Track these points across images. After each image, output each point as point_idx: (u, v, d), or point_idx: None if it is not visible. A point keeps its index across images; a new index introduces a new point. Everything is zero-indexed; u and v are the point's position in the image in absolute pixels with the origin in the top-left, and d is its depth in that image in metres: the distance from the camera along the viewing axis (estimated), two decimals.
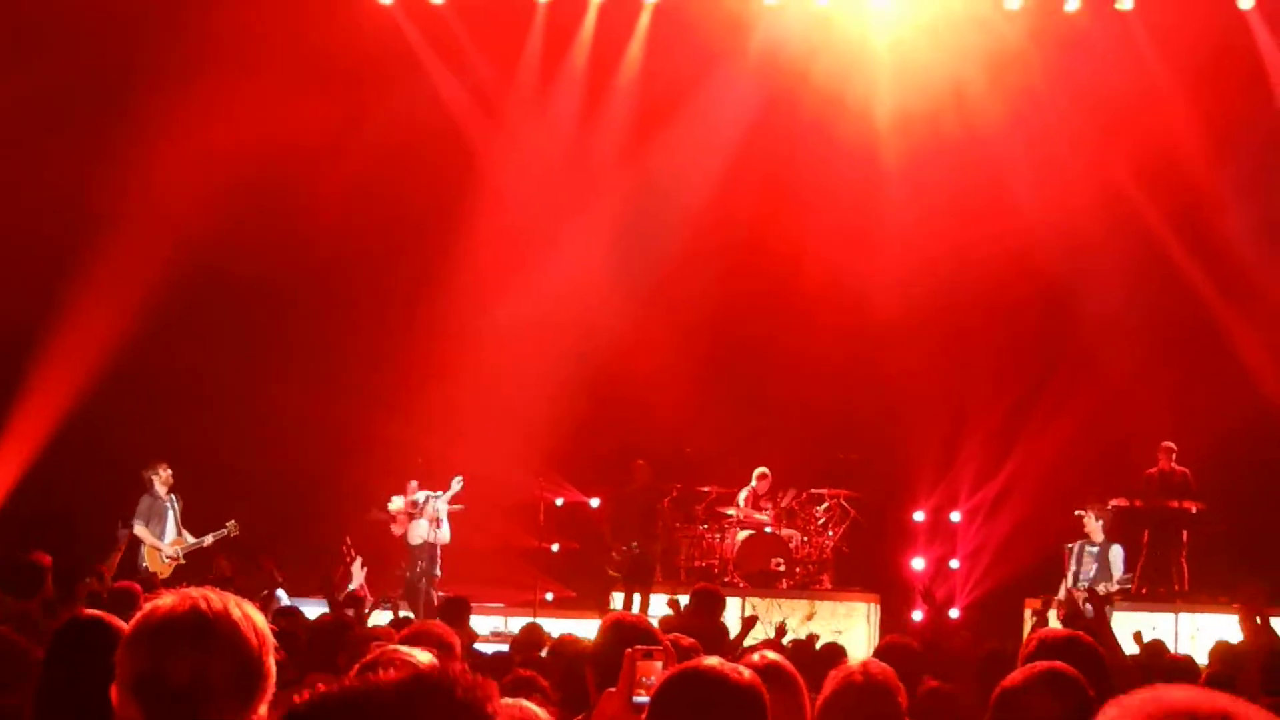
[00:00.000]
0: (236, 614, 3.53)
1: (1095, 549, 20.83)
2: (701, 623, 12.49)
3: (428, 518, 21.05)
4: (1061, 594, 20.79)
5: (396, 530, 22.07)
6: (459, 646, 6.78)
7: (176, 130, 22.66)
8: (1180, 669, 11.41)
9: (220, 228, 22.98)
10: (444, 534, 21.36)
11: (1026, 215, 24.82)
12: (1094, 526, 21.04)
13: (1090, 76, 24.55)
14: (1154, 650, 13.96)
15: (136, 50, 22.90)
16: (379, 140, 23.43)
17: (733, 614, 20.45)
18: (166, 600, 3.62)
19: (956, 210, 24.92)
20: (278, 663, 3.72)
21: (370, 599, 18.21)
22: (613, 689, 4.92)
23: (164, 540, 20.18)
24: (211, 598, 3.59)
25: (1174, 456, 23.22)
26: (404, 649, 5.70)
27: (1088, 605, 19.81)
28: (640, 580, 22.23)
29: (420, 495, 22.00)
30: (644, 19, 25.51)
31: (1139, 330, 24.67)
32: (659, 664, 4.88)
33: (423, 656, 5.21)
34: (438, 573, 21.38)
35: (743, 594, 22.30)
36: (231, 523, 20.61)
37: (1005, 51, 24.52)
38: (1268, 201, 24.51)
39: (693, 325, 24.87)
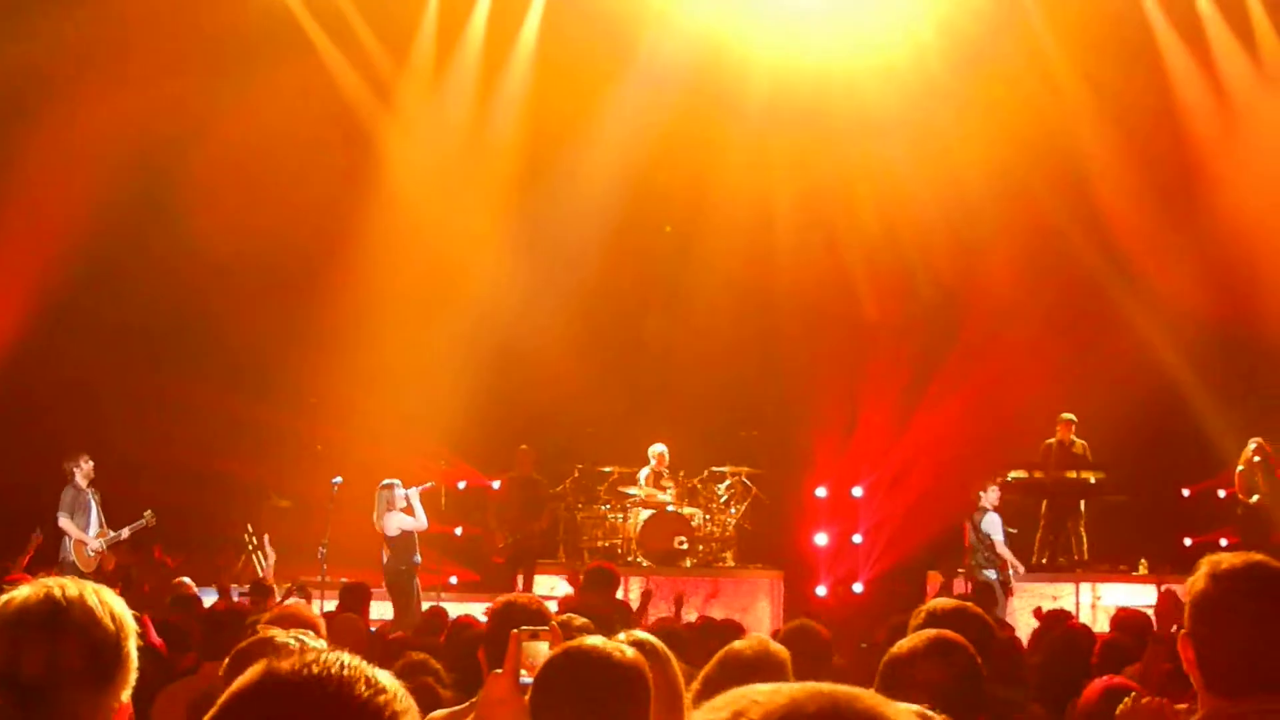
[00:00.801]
0: (93, 600, 3.49)
1: (978, 516, 21.07)
2: (596, 600, 12.50)
3: (400, 509, 20.93)
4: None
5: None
6: (323, 629, 6.76)
7: (62, 117, 22.43)
8: (1076, 637, 11.50)
9: (112, 216, 22.75)
10: (422, 521, 21.26)
11: (920, 191, 24.94)
12: (985, 497, 21.20)
13: (981, 52, 24.65)
14: (1054, 618, 14.03)
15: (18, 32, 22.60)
16: (271, 124, 23.20)
17: (635, 593, 20.50)
18: (23, 591, 3.58)
19: (849, 189, 25.05)
20: (174, 653, 3.70)
21: (278, 587, 18.05)
22: (499, 670, 4.91)
23: (89, 533, 19.98)
24: (68, 585, 3.55)
25: (1073, 428, 23.43)
26: (298, 633, 5.69)
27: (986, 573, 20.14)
28: (524, 564, 22.29)
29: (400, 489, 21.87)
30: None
31: (1035, 302, 24.89)
32: (545, 644, 4.88)
33: (315, 643, 5.19)
34: (418, 560, 21.29)
35: (646, 573, 22.32)
36: (149, 513, 20.36)
37: (897, 30, 24.64)
38: (1158, 175, 24.73)
39: (593, 306, 24.91)
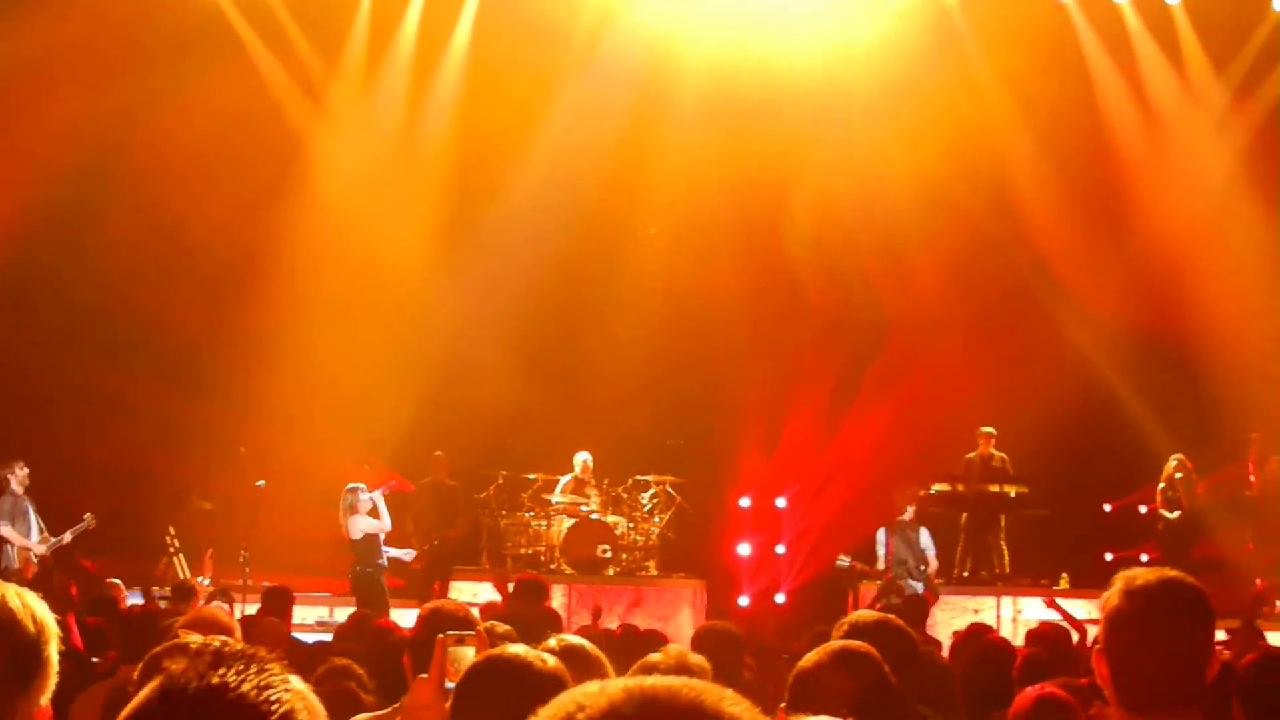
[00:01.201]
0: (15, 603, 3.47)
1: (909, 531, 21.14)
2: (524, 609, 12.50)
3: (364, 511, 20.90)
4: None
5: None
6: (239, 634, 6.76)
7: None
8: (997, 650, 11.57)
9: (41, 216, 22.61)
10: (386, 523, 21.25)
11: (848, 204, 25.01)
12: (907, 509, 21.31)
13: (911, 65, 24.77)
14: (973, 632, 14.10)
15: None
16: (203, 125, 23.12)
17: (558, 601, 20.48)
18: None
19: (779, 200, 25.12)
20: (96, 656, 3.69)
21: (202, 589, 17.96)
22: (424, 675, 4.92)
23: (31, 539, 19.86)
24: None
25: (993, 441, 23.55)
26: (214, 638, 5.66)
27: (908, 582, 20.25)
28: (440, 571, 22.25)
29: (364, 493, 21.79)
30: (470, 2, 25.49)
31: (960, 315, 24.99)
32: (470, 650, 4.89)
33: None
34: (384, 562, 21.27)
35: (569, 580, 22.32)
36: (89, 515, 20.28)
37: (828, 43, 24.74)
38: (1085, 188, 24.91)
39: (522, 312, 24.86)
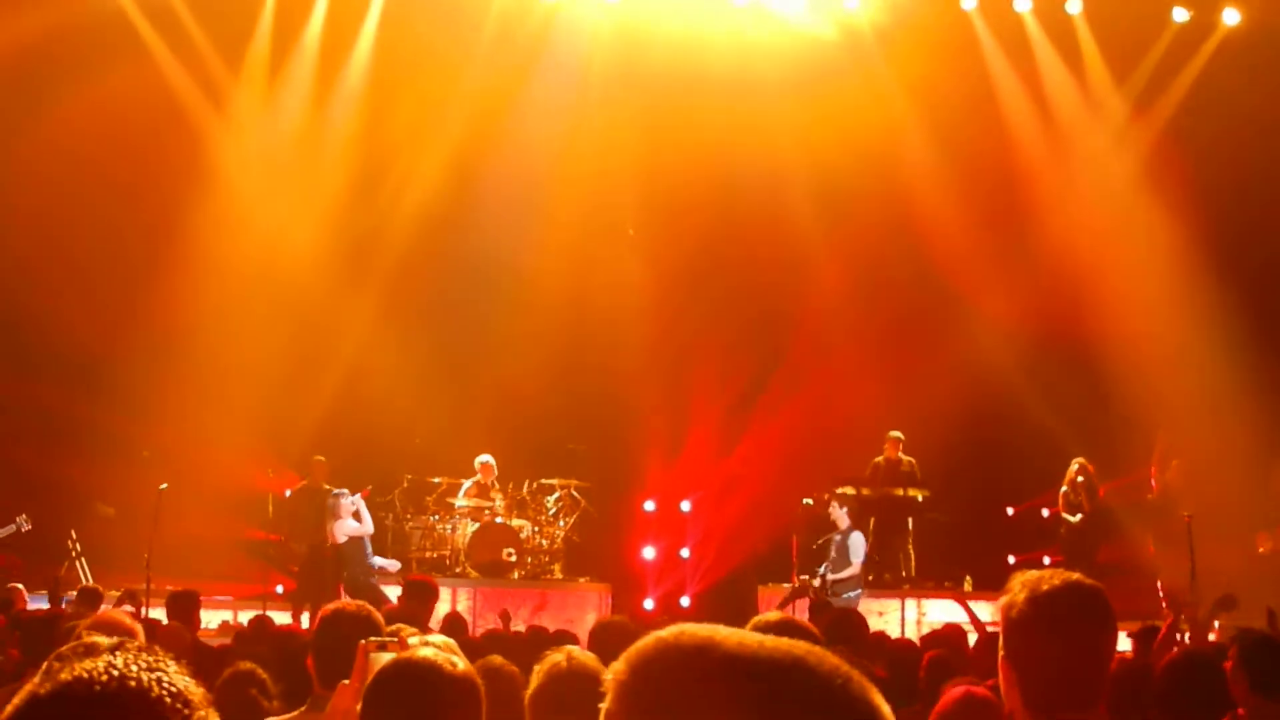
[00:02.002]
0: None
1: (839, 537, 21.13)
2: (415, 611, 12.46)
3: (347, 515, 20.83)
4: (817, 582, 21.05)
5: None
6: (142, 636, 6.72)
7: None
8: (903, 652, 11.66)
9: None
10: (368, 526, 21.20)
11: (749, 208, 25.07)
12: (839, 515, 21.30)
13: (813, 70, 24.88)
14: (879, 638, 14.21)
15: None
16: (103, 125, 22.89)
17: (464, 605, 20.46)
18: None
19: (679, 202, 25.12)
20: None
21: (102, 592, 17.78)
22: (346, 681, 4.89)
23: None
24: None
25: (900, 445, 23.68)
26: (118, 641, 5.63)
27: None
28: (314, 577, 22.08)
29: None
30: (375, 6, 25.41)
31: (865, 320, 25.07)
32: (391, 656, 4.87)
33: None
34: (374, 563, 21.19)
35: (474, 584, 22.28)
36: (23, 516, 20.11)
37: (729, 46, 24.83)
38: (987, 193, 25.06)
39: (422, 315, 24.81)
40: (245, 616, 19.10)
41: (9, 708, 2.39)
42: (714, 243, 25.09)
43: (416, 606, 13.19)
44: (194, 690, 2.44)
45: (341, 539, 20.82)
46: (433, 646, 4.87)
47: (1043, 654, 4.22)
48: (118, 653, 2.42)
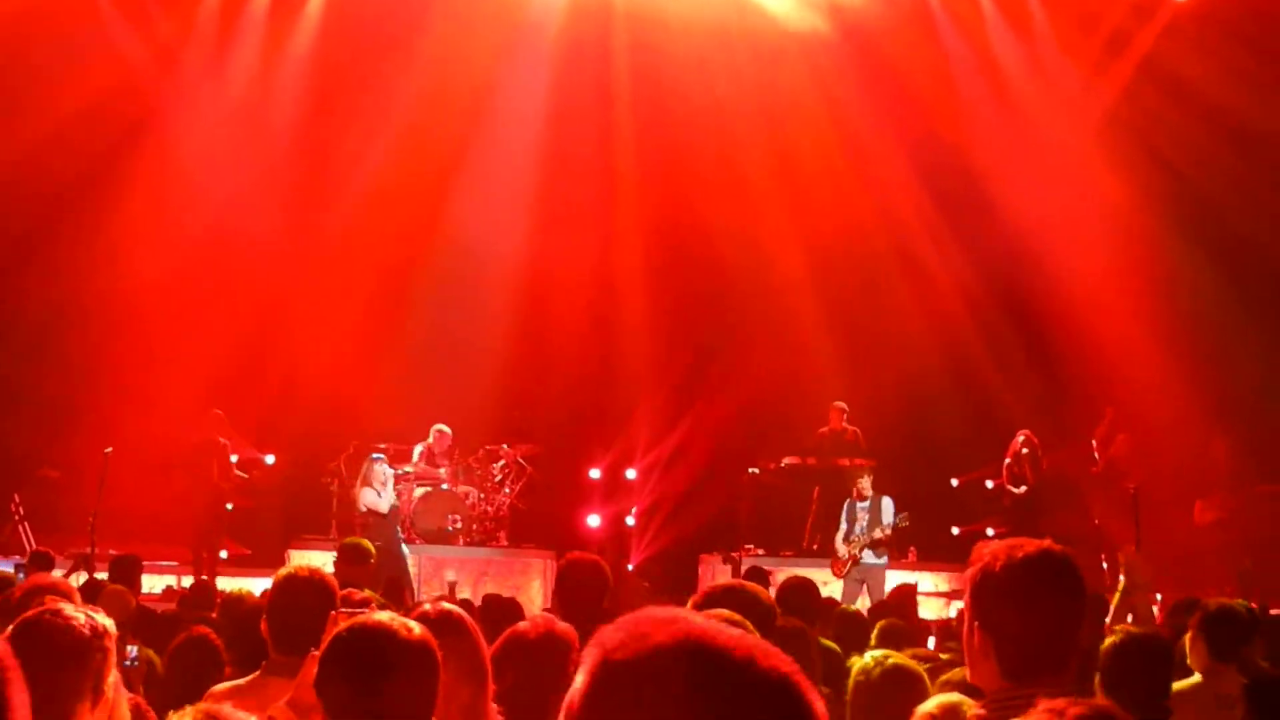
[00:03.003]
0: None
1: (866, 503, 21.01)
2: (352, 575, 12.41)
3: (375, 485, 20.53)
4: (841, 551, 20.93)
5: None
6: (77, 599, 6.68)
7: None
8: (851, 620, 11.72)
9: None
10: (385, 501, 20.88)
11: (697, 179, 25.07)
12: (865, 483, 21.20)
13: (762, 41, 24.89)
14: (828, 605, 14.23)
15: None
16: (45, 89, 22.74)
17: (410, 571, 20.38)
18: None
19: (625, 176, 25.11)
20: None
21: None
22: (317, 652, 4.83)
23: None
24: None
25: (845, 416, 23.68)
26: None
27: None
28: (202, 530, 21.91)
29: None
30: None
31: (813, 290, 25.07)
32: None
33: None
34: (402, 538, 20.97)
35: (418, 551, 22.20)
36: None
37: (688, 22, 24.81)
38: (938, 166, 25.07)
39: (369, 283, 24.70)
40: (189, 582, 19.03)
41: None
42: (664, 214, 25.08)
43: (354, 570, 13.14)
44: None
45: (361, 508, 20.60)
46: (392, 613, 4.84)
47: (1019, 621, 4.25)
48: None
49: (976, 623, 4.32)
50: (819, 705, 2.13)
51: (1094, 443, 24.00)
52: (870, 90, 25.33)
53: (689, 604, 6.07)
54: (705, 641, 2.10)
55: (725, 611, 5.20)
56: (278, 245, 24.29)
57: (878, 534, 20.51)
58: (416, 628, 4.59)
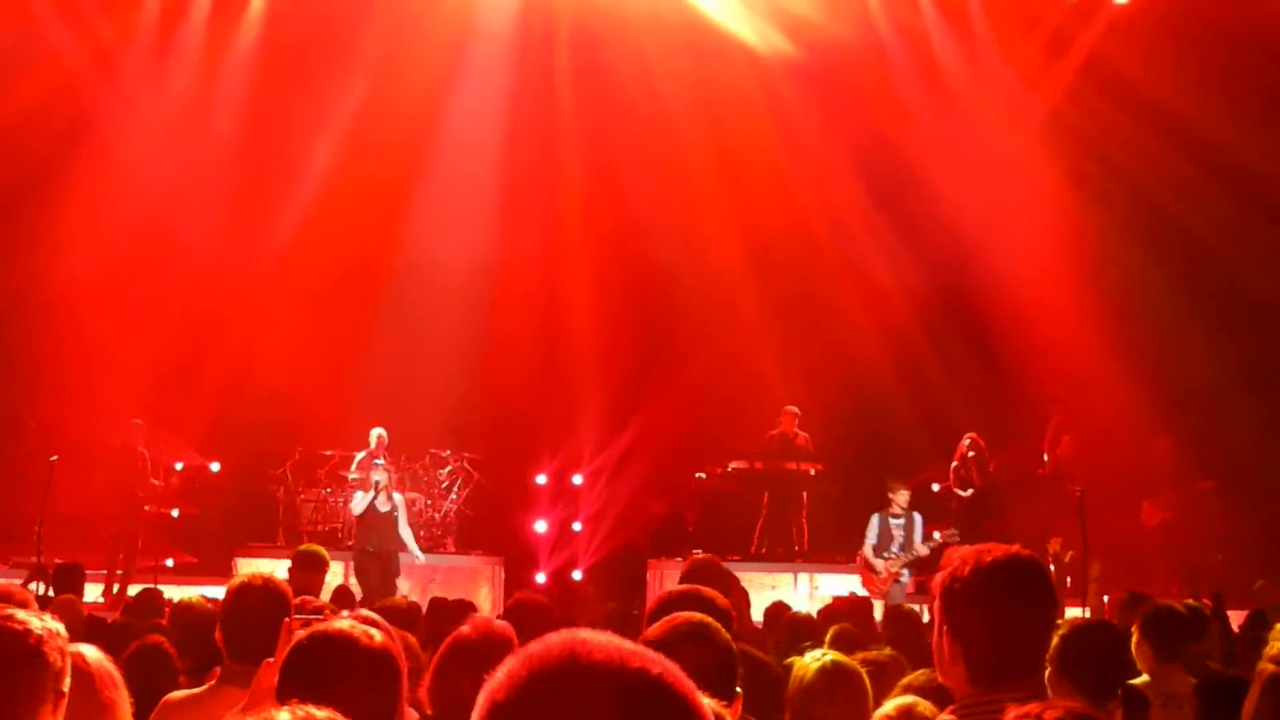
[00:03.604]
0: None
1: (901, 520, 20.93)
2: (306, 581, 12.38)
3: (369, 487, 20.38)
4: (879, 568, 20.81)
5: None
6: (34, 607, 6.64)
7: None
8: (802, 626, 11.69)
9: None
10: (354, 509, 20.70)
11: (636, 177, 25.07)
12: (901, 497, 21.12)
13: (699, 34, 24.90)
14: (775, 610, 14.25)
15: None
16: None
17: (354, 578, 20.27)
18: None
19: (569, 173, 25.08)
20: None
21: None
22: (271, 660, 4.79)
23: None
24: None
25: (796, 420, 23.69)
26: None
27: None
28: (124, 540, 21.77)
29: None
30: None
31: (759, 292, 25.08)
32: None
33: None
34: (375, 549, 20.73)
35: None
36: None
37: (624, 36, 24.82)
38: (880, 166, 25.12)
39: (315, 287, 24.61)
40: (135, 590, 18.90)
41: None
42: (608, 219, 25.08)
43: (308, 577, 13.10)
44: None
45: (356, 512, 20.51)
46: (350, 620, 4.80)
47: (987, 626, 4.26)
48: None
49: (945, 628, 4.32)
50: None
51: (1044, 444, 24.06)
52: (812, 92, 25.34)
53: (648, 609, 6.06)
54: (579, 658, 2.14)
55: (687, 614, 5.18)
56: (222, 248, 24.20)
57: (923, 550, 20.43)
58: (378, 635, 4.54)
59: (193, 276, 23.79)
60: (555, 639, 2.17)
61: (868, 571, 20.68)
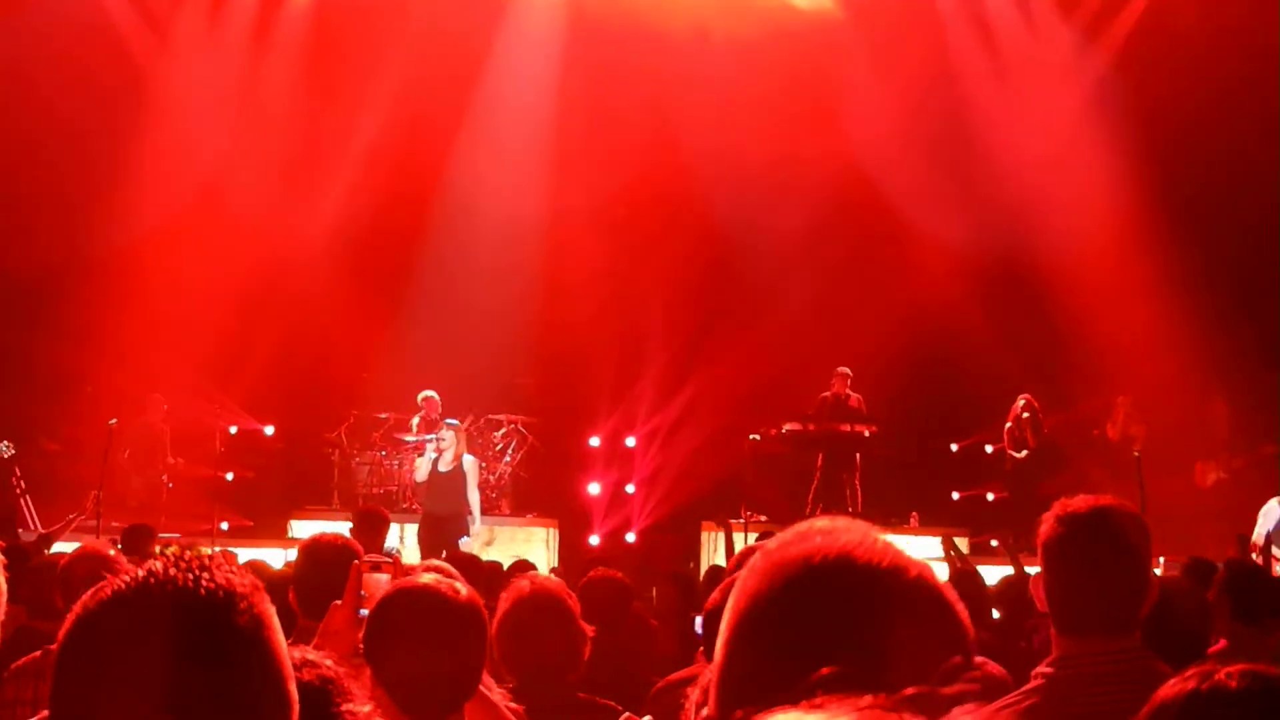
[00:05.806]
0: None
1: None
2: (367, 543, 12.46)
3: (429, 452, 20.26)
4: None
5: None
6: (125, 564, 6.71)
7: None
8: None
9: None
10: (421, 473, 20.54)
11: (697, 148, 25.00)
12: None
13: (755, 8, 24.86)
14: None
15: None
16: (37, 53, 22.57)
17: (412, 540, 20.30)
18: None
19: (627, 138, 25.01)
20: None
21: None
22: (339, 601, 4.83)
23: None
24: None
25: (849, 381, 23.64)
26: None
27: None
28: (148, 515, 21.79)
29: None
30: None
31: (814, 256, 24.99)
32: (385, 577, 4.81)
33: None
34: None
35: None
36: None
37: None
38: (935, 129, 25.01)
39: (372, 251, 24.62)
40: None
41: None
42: (661, 178, 25.03)
43: (369, 537, 13.15)
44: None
45: (420, 478, 20.43)
46: (433, 573, 4.83)
47: (1066, 575, 4.29)
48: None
49: (1039, 577, 4.39)
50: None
51: (1108, 428, 23.98)
52: (859, 51, 25.25)
53: (728, 566, 6.10)
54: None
55: None
56: (276, 212, 24.18)
57: None
58: (464, 589, 4.57)
59: (247, 240, 23.78)
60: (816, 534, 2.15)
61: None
